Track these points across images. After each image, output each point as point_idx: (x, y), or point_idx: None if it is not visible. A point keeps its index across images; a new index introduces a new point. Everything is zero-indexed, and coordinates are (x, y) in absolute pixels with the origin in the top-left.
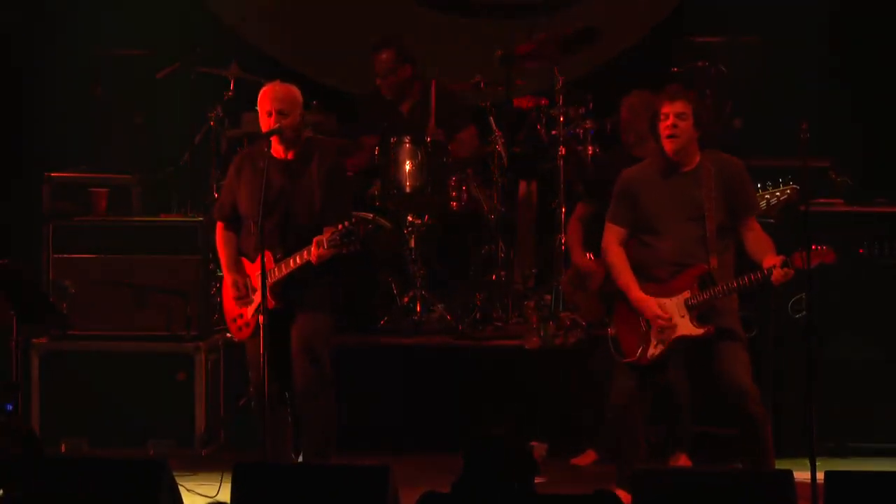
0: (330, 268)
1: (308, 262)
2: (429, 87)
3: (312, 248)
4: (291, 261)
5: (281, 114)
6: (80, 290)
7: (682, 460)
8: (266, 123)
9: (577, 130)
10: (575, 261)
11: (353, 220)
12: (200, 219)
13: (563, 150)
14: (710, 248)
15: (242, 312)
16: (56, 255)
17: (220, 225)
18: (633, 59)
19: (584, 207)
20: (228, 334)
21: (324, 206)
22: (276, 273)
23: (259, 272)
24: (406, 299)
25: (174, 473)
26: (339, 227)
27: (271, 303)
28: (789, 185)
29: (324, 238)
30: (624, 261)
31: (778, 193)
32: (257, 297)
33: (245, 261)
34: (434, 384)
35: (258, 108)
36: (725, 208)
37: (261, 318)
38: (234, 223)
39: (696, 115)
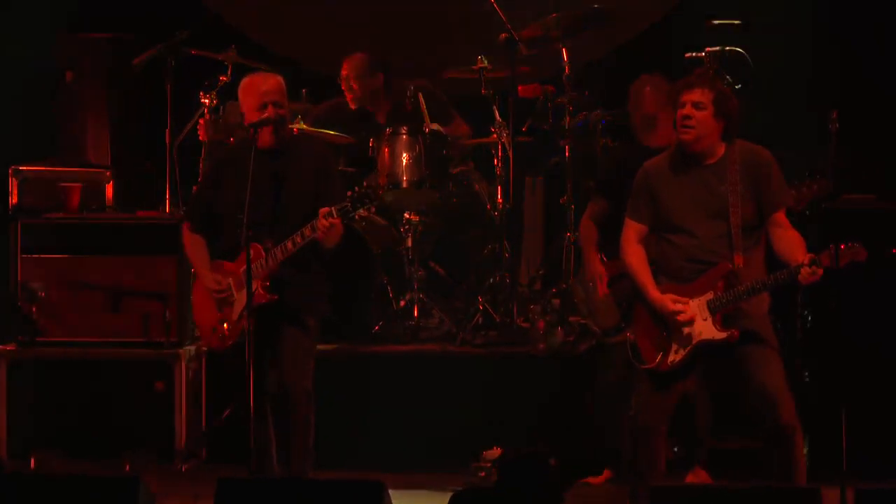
0: (321, 263)
1: (300, 252)
2: (404, 90)
3: (320, 220)
4: (290, 242)
5: (276, 105)
6: (51, 293)
7: (701, 476)
8: (258, 115)
9: (588, 120)
10: (588, 266)
11: (365, 184)
12: (180, 217)
13: (571, 142)
14: (734, 245)
15: (225, 317)
16: (24, 255)
17: (187, 226)
18: (648, 43)
19: (597, 204)
20: (205, 346)
21: (317, 197)
22: (271, 261)
23: (245, 267)
24: (402, 303)
25: (152, 490)
26: (349, 192)
27: (265, 296)
28: (817, 178)
29: (332, 207)
30: (642, 260)
31: (805, 189)
32: (245, 295)
33: (226, 262)
34: (432, 394)
35: (244, 99)
36: (752, 203)
37: (245, 322)
38: (204, 225)
39: (718, 106)
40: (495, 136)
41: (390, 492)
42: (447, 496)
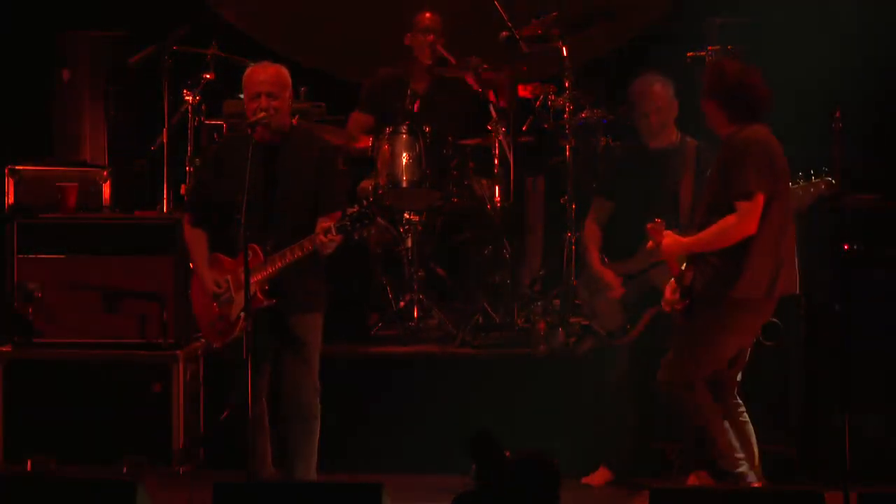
0: (318, 266)
1: (303, 257)
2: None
3: (319, 237)
4: (289, 252)
5: (271, 97)
6: (48, 294)
7: (703, 478)
8: (252, 106)
9: (588, 120)
10: (592, 268)
11: (365, 203)
12: (178, 216)
13: (572, 142)
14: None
15: (223, 314)
16: (21, 256)
17: (188, 218)
18: (650, 41)
19: (600, 205)
20: (203, 339)
21: (318, 195)
22: (270, 268)
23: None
24: (402, 304)
25: (149, 494)
26: (349, 210)
27: (263, 301)
28: (822, 177)
29: (331, 224)
30: None
31: (812, 189)
32: (241, 297)
33: (225, 258)
34: (432, 396)
35: (243, 90)
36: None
37: (243, 321)
38: (205, 218)
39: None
40: (493, 134)
41: (390, 494)
42: (447, 498)
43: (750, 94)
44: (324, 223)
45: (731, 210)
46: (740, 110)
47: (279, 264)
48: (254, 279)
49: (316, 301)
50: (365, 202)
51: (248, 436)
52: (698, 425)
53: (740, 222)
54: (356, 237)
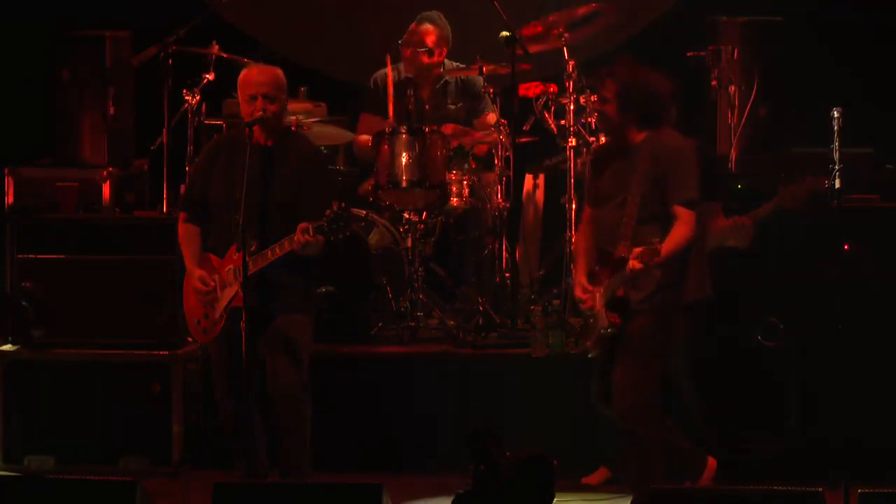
0: (306, 268)
1: (285, 257)
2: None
3: (297, 235)
4: (269, 252)
5: (267, 98)
6: (47, 294)
7: (709, 463)
8: (248, 108)
9: (589, 120)
10: (576, 277)
11: (343, 205)
12: (177, 216)
13: (572, 142)
14: (625, 233)
15: (208, 312)
16: (20, 256)
17: (182, 216)
18: (650, 41)
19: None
20: (190, 338)
21: (305, 200)
22: (252, 266)
23: (230, 266)
24: (402, 303)
25: (149, 494)
26: (328, 211)
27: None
28: (814, 174)
29: (310, 224)
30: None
31: (805, 185)
32: (227, 294)
33: (214, 257)
34: (432, 396)
35: (239, 91)
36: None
37: (226, 317)
38: (199, 215)
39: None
40: (495, 135)
41: (390, 494)
42: (447, 498)
43: (668, 97)
44: (306, 223)
45: (668, 217)
46: (656, 115)
47: (261, 263)
48: (237, 279)
49: (306, 303)
50: (343, 203)
51: (242, 433)
52: (648, 453)
53: (687, 229)
54: (332, 239)
